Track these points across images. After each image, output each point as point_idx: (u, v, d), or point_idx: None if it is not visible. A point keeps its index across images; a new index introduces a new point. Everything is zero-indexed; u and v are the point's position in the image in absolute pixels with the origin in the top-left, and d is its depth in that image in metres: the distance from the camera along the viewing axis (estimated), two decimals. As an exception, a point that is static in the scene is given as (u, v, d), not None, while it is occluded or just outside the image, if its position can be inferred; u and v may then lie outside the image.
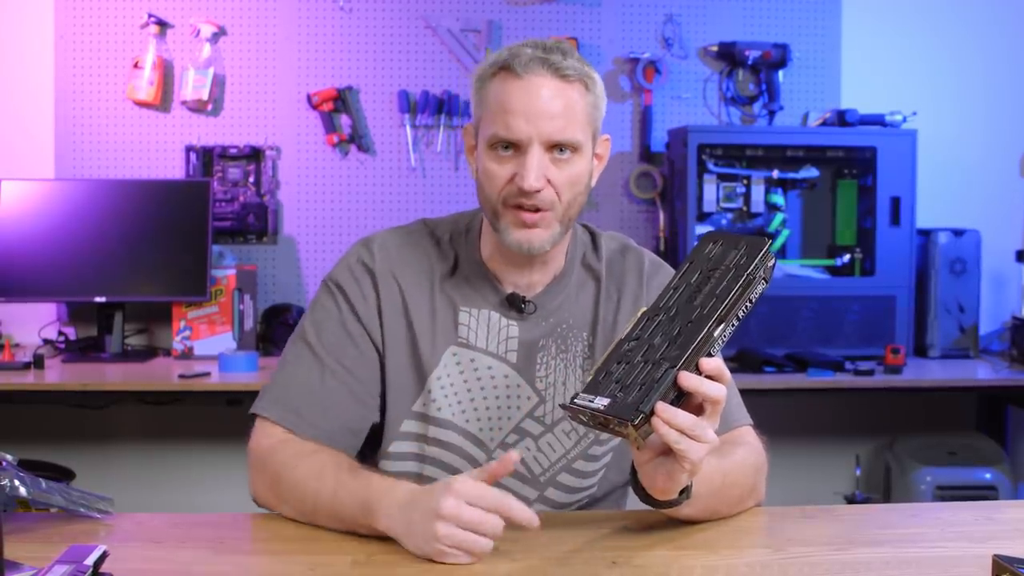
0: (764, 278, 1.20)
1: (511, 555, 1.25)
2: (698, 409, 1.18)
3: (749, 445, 1.47)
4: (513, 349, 1.51)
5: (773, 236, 3.32)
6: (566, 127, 1.41)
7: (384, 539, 1.29)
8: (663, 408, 1.15)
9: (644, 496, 1.29)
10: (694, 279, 1.23)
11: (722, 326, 1.18)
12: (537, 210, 1.42)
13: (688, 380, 1.16)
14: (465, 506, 1.20)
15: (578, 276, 1.56)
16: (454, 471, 1.47)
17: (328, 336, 1.49)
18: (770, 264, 1.21)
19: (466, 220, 1.58)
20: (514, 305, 1.52)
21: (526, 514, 1.21)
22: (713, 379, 1.18)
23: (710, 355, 1.18)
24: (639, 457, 1.23)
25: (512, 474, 1.44)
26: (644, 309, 1.24)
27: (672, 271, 1.45)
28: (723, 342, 1.19)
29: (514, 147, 1.42)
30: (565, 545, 1.29)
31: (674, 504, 1.28)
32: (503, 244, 1.46)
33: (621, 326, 1.51)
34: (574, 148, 1.42)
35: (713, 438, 1.18)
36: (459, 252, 1.54)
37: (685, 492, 1.27)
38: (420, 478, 1.48)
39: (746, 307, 1.20)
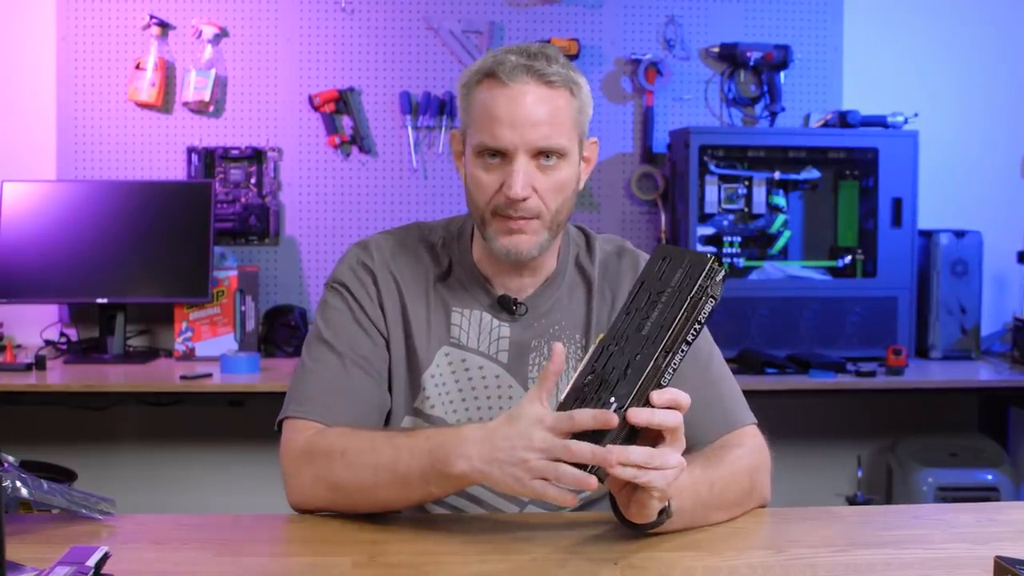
0: (713, 295, 1.18)
1: (511, 554, 1.25)
2: (659, 436, 1.18)
3: (745, 447, 1.45)
4: (504, 349, 1.52)
5: (777, 239, 3.33)
6: (552, 134, 1.42)
7: (384, 539, 1.29)
8: (614, 450, 1.14)
9: (624, 521, 1.29)
10: (643, 303, 1.21)
11: (670, 355, 1.17)
12: (524, 218, 1.43)
13: (638, 416, 1.16)
14: (556, 438, 1.17)
15: (571, 278, 1.57)
16: None
17: (342, 331, 1.50)
18: (718, 279, 1.18)
19: (458, 224, 1.59)
20: (505, 307, 1.53)
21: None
22: (670, 409, 1.17)
23: (661, 385, 1.17)
24: (611, 487, 1.23)
25: None
26: (601, 336, 1.23)
27: None
28: (676, 367, 1.18)
29: (501, 155, 1.43)
30: (565, 545, 1.29)
31: (655, 525, 1.27)
32: (491, 251, 1.48)
33: None
34: (560, 154, 1.44)
35: (676, 462, 1.18)
36: (452, 256, 1.56)
37: (665, 512, 1.26)
38: None
39: (695, 329, 1.18)
